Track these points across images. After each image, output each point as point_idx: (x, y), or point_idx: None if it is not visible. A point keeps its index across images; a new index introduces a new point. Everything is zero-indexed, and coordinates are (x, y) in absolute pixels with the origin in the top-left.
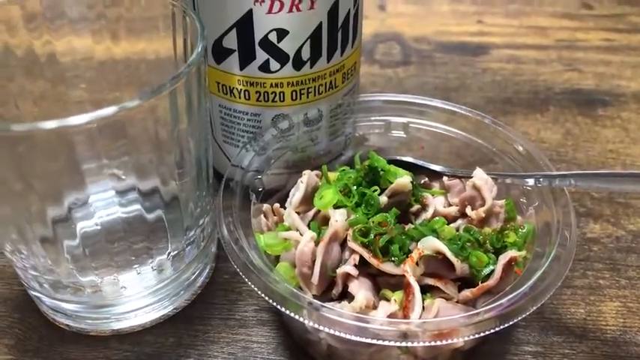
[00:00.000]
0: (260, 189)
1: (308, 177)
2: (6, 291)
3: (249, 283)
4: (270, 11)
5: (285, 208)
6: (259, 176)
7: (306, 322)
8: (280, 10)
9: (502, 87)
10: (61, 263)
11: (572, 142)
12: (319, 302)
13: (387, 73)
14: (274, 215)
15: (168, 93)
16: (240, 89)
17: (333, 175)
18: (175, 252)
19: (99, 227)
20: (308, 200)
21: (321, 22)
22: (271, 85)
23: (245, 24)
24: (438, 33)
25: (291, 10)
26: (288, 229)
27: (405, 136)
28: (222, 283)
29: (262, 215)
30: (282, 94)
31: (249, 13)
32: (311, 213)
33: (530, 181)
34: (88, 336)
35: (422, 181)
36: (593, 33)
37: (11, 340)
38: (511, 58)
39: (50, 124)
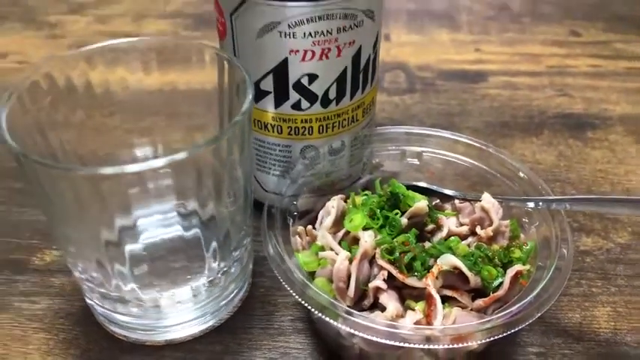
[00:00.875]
0: (295, 212)
1: (337, 202)
2: (68, 306)
3: (295, 294)
4: (303, 59)
5: (314, 229)
6: (294, 202)
7: (343, 328)
8: (312, 58)
9: (500, 112)
10: (122, 279)
11: (565, 163)
12: (355, 311)
13: (395, 100)
14: (307, 235)
15: (228, 136)
16: (274, 124)
17: (358, 199)
18: (225, 269)
19: (156, 246)
20: (338, 223)
21: (345, 67)
22: (301, 121)
23: (281, 70)
24: (440, 61)
25: (321, 59)
26: (322, 248)
27: (418, 163)
28: (259, 296)
29: (297, 236)
30: (310, 129)
31: (285, 61)
32: (340, 233)
33: (531, 204)
34: (144, 346)
35: (434, 203)
36: (582, 59)
37: (77, 350)
38: (507, 84)
39: (132, 168)
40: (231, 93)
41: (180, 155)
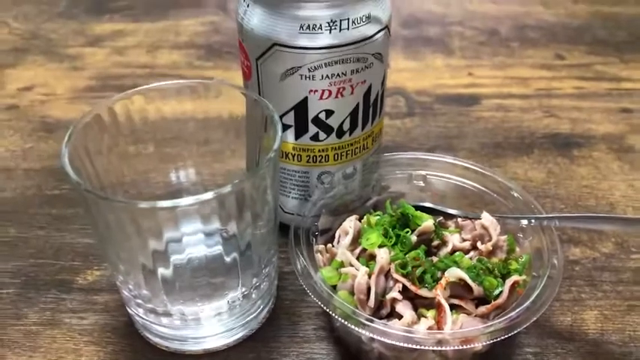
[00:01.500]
0: (316, 232)
1: (354, 223)
2: (114, 321)
3: (322, 305)
4: (321, 98)
5: (333, 246)
6: (316, 222)
7: (365, 334)
8: (329, 96)
9: (493, 133)
10: (158, 294)
11: (554, 179)
12: (375, 319)
13: (397, 124)
14: (327, 253)
15: (264, 170)
16: (294, 154)
17: (372, 219)
18: (256, 285)
19: (197, 264)
20: (355, 241)
21: (358, 103)
22: (319, 150)
23: (301, 107)
24: (436, 86)
25: (336, 97)
26: (342, 264)
27: (423, 185)
28: (284, 308)
29: (319, 253)
30: (327, 157)
31: (305, 99)
32: (357, 251)
33: (525, 221)
34: (184, 355)
35: (438, 221)
36: (567, 81)
37: None
38: (499, 107)
39: (186, 201)
40: (259, 129)
41: (226, 189)
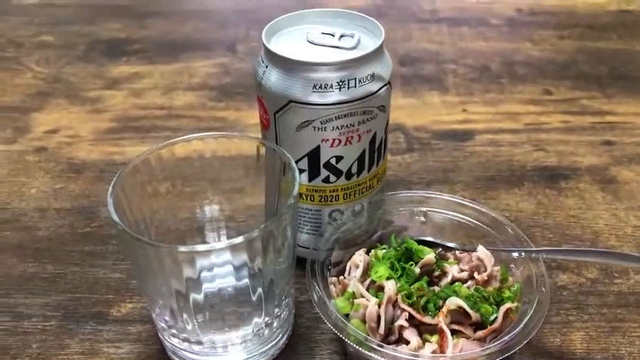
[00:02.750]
0: (329, 265)
1: (363, 257)
2: (147, 350)
3: (337, 332)
4: (332, 146)
5: (345, 278)
6: (329, 256)
7: (377, 358)
8: (338, 144)
9: (486, 167)
10: (191, 323)
11: (543, 210)
12: (385, 344)
13: (397, 160)
14: (339, 284)
15: (287, 213)
16: (307, 194)
17: (379, 253)
18: (278, 314)
19: (226, 295)
20: (364, 273)
21: (364, 149)
22: (330, 191)
23: (314, 154)
24: (433, 122)
25: (345, 144)
26: (353, 294)
27: (424, 219)
28: (301, 334)
29: (332, 285)
30: (337, 196)
31: (317, 147)
32: (367, 282)
33: (516, 254)
34: None
35: (438, 252)
36: (554, 116)
37: None
38: (491, 142)
39: (220, 245)
40: (277, 174)
41: (255, 233)
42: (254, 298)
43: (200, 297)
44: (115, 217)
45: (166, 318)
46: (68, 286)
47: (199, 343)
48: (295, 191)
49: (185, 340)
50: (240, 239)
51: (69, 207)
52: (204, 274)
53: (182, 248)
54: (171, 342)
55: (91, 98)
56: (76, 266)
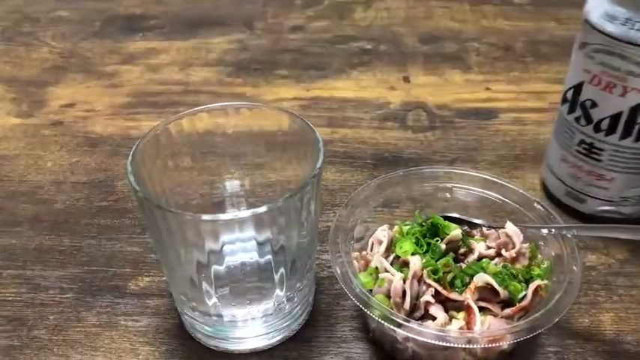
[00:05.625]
0: (352, 240)
1: (387, 232)
2: (165, 323)
3: (362, 307)
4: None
5: (367, 253)
6: (352, 232)
7: (403, 333)
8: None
9: (511, 146)
10: (212, 297)
11: None
12: (411, 319)
13: (419, 137)
14: (362, 260)
15: (310, 183)
16: None
17: (404, 229)
18: (300, 288)
19: (250, 269)
20: (388, 249)
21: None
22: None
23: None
24: (455, 100)
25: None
26: (376, 269)
27: (449, 196)
28: (321, 311)
29: (354, 260)
30: None
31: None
32: (391, 258)
33: (545, 231)
34: (232, 354)
35: (463, 229)
36: None
37: (179, 359)
38: (516, 120)
39: (244, 214)
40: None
41: (279, 202)
42: (277, 274)
43: (222, 269)
44: (136, 185)
45: (186, 290)
46: (85, 259)
47: (219, 316)
48: (319, 163)
49: (205, 313)
50: (263, 208)
51: (85, 180)
52: (227, 247)
53: (205, 217)
54: (191, 315)
55: (107, 73)
56: (92, 239)
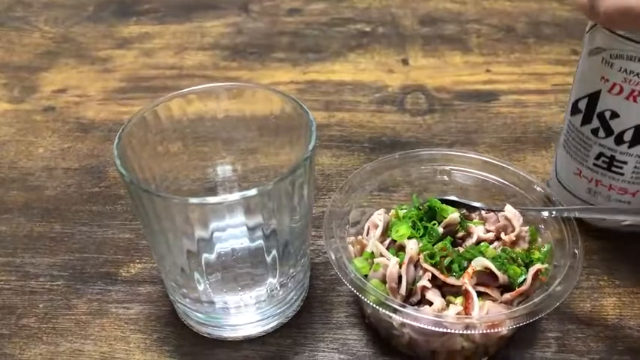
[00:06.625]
0: (347, 225)
1: (383, 216)
2: (157, 311)
3: (357, 292)
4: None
5: (362, 238)
6: (347, 216)
7: (399, 319)
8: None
9: (512, 128)
10: (202, 283)
11: None
12: (407, 305)
13: (417, 121)
14: (357, 244)
15: (303, 166)
16: None
17: (400, 213)
18: (293, 275)
19: (240, 255)
20: (384, 233)
21: None
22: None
23: (594, 97)
24: (455, 83)
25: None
26: (372, 254)
27: (447, 179)
28: (316, 296)
29: (350, 245)
30: None
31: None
32: (387, 242)
33: (546, 213)
34: (225, 341)
35: (462, 213)
36: None
37: (170, 347)
38: (517, 102)
39: (233, 197)
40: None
41: (268, 186)
42: (269, 259)
43: (212, 257)
44: (122, 169)
45: (176, 277)
46: (76, 246)
47: (211, 303)
48: (311, 145)
49: (196, 300)
50: (253, 191)
51: (77, 167)
52: (217, 234)
53: (193, 200)
54: (183, 302)
55: (100, 58)
56: (83, 226)
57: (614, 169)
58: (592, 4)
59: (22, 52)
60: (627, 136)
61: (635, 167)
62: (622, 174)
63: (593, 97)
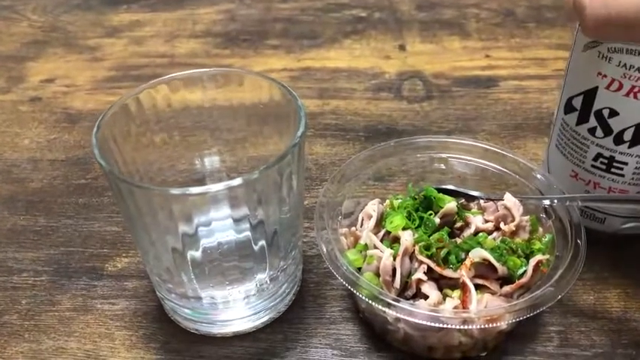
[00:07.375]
0: (339, 216)
1: (377, 207)
2: (143, 306)
3: (349, 287)
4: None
5: (356, 230)
6: (340, 207)
7: (393, 314)
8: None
9: (512, 115)
10: (188, 278)
11: None
12: (402, 299)
13: (415, 108)
14: (351, 236)
15: (290, 154)
16: None
17: (395, 203)
18: (284, 268)
19: (227, 248)
20: (378, 224)
21: None
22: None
23: (590, 94)
24: (453, 68)
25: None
26: (366, 246)
27: (444, 167)
28: (309, 290)
29: (343, 236)
30: None
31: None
32: (381, 233)
33: (547, 202)
34: (214, 337)
35: (460, 202)
36: None
37: (156, 344)
38: (518, 88)
39: (217, 187)
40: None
41: (254, 175)
42: (256, 250)
43: (198, 254)
44: (100, 159)
45: (161, 272)
46: (61, 240)
47: (198, 298)
48: (300, 131)
49: (183, 296)
50: (238, 181)
51: (63, 158)
52: (202, 229)
53: (175, 191)
54: (169, 298)
55: (89, 47)
56: (69, 219)
57: (613, 170)
58: (580, 18)
59: (9, 42)
60: (627, 136)
61: (636, 168)
62: (622, 175)
63: (590, 95)
